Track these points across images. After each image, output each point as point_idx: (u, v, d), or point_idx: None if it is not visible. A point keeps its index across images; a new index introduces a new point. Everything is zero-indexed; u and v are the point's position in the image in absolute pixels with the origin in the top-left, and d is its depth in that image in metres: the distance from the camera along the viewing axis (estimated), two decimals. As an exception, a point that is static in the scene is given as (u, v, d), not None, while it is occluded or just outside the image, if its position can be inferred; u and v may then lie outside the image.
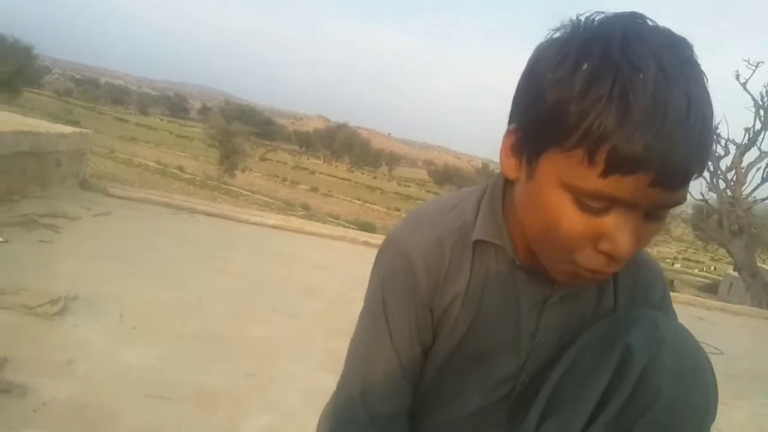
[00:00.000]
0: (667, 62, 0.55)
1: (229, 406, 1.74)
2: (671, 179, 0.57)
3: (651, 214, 0.61)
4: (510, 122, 0.68)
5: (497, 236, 0.75)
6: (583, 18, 0.61)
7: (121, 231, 3.49)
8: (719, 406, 2.29)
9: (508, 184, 0.76)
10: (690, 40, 0.59)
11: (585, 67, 0.57)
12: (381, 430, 0.78)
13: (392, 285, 0.76)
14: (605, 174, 0.56)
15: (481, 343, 0.79)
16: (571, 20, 0.62)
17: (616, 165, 0.56)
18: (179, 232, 3.79)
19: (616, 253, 0.61)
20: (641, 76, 0.54)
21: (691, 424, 0.69)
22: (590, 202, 0.60)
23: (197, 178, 30.22)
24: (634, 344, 0.70)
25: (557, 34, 0.62)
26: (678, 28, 0.59)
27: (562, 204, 0.61)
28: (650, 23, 0.59)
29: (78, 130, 4.72)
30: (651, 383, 0.68)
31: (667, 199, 0.59)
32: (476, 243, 0.76)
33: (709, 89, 0.58)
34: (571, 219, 0.61)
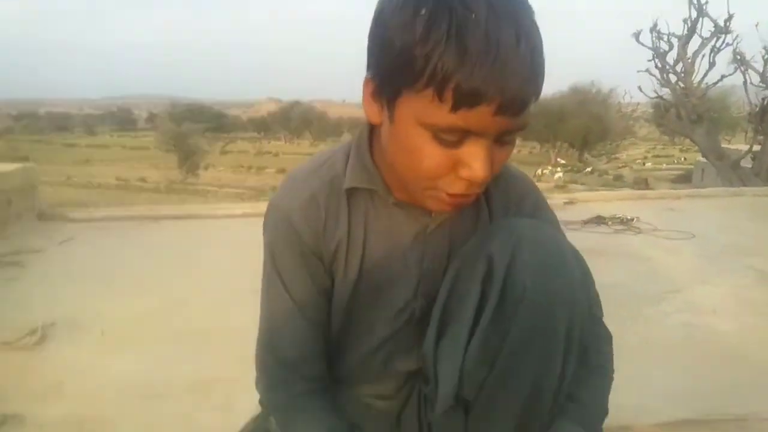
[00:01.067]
0: (495, 2, 0.61)
1: (225, 388, 1.77)
2: (512, 106, 0.63)
3: (500, 140, 0.69)
4: (367, 70, 0.73)
5: (368, 181, 0.82)
6: None
7: (88, 253, 3.45)
8: (699, 286, 2.39)
9: (374, 129, 0.81)
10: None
11: (423, 12, 0.62)
12: (291, 370, 0.87)
13: (279, 245, 0.85)
14: (454, 109, 0.63)
15: (375, 279, 0.86)
16: None
17: (463, 100, 0.62)
18: (148, 242, 3.76)
19: (474, 177, 0.68)
20: (473, 16, 0.60)
21: (561, 311, 0.75)
22: (445, 136, 0.66)
23: (161, 185, 29.70)
24: (493, 251, 0.77)
25: None
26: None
27: (422, 141, 0.67)
28: None
29: (20, 165, 4.59)
30: (516, 281, 0.75)
31: (511, 124, 0.66)
32: (349, 191, 0.82)
33: (535, 21, 0.65)
34: (432, 153, 0.68)
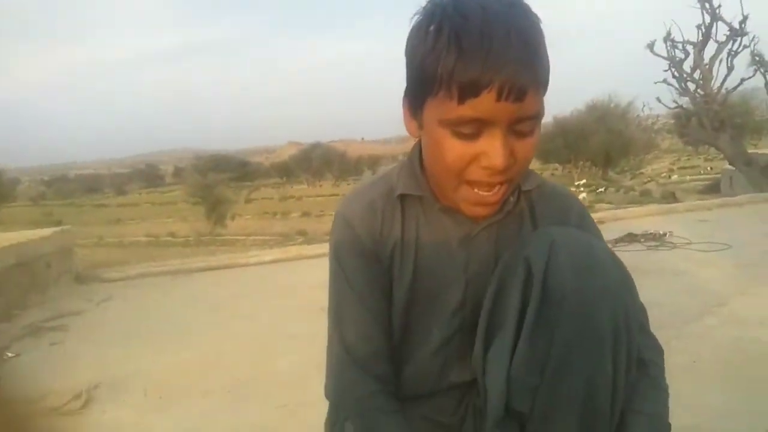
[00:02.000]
0: (490, 8, 0.72)
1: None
2: (511, 91, 0.70)
3: (516, 130, 0.76)
4: (404, 98, 0.85)
5: (417, 188, 0.91)
6: None
7: (126, 311, 3.52)
8: (740, 297, 2.35)
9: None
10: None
11: (431, 28, 0.74)
12: (364, 368, 0.90)
13: (342, 247, 0.92)
14: (461, 100, 0.72)
15: (428, 282, 0.92)
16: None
17: (465, 90, 0.71)
18: (183, 295, 3.82)
19: (493, 164, 0.75)
20: (469, 22, 0.71)
21: (601, 305, 0.76)
22: (462, 129, 0.75)
23: (190, 239, 30.16)
24: (530, 255, 0.80)
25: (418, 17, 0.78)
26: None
27: (444, 138, 0.77)
28: None
29: (58, 228, 4.75)
30: (555, 283, 0.77)
31: (518, 111, 0.73)
32: (401, 198, 0.91)
33: (535, 21, 0.75)
34: (452, 147, 0.76)
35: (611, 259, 0.81)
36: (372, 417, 0.89)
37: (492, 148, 0.74)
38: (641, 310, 0.94)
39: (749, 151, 14.08)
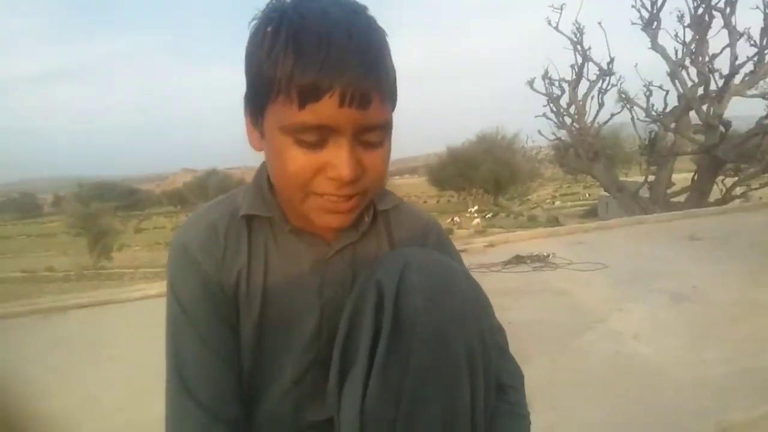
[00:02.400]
0: (330, 10, 0.68)
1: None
2: (354, 97, 0.67)
3: (364, 141, 0.71)
4: (244, 111, 0.78)
5: (264, 209, 0.83)
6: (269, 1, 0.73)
7: (-15, 356, 3.12)
8: (617, 313, 2.48)
9: None
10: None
11: (269, 29, 0.69)
12: (211, 413, 0.79)
13: (180, 278, 0.82)
14: (301, 105, 0.67)
15: (279, 312, 0.84)
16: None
17: (305, 94, 0.66)
18: (54, 337, 3.46)
19: (340, 176, 0.70)
20: (306, 22, 0.67)
21: (455, 329, 0.74)
22: (304, 137, 0.69)
23: (71, 273, 27.87)
24: (382, 277, 0.76)
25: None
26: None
27: (285, 146, 0.71)
28: None
29: None
30: (407, 304, 0.74)
31: (364, 119, 0.69)
32: (248, 219, 0.83)
33: (376, 29, 0.72)
34: (296, 157, 0.70)
35: (466, 280, 0.79)
36: None
37: (337, 159, 0.69)
38: (499, 332, 0.92)
39: (621, 179, 15.42)
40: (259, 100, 0.72)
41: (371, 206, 0.87)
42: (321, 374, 0.84)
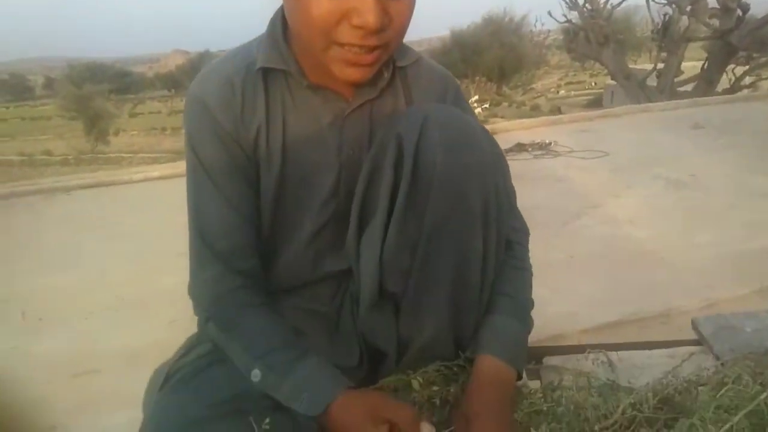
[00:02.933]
0: None
1: (158, 355, 1.71)
2: None
3: None
4: None
5: (281, 62, 0.80)
6: None
7: (-6, 232, 3.20)
8: (614, 199, 2.50)
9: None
10: None
11: None
12: (225, 263, 0.83)
13: (198, 133, 0.81)
14: None
15: (299, 168, 0.85)
16: None
17: None
18: (60, 214, 3.53)
19: (365, 22, 0.68)
20: None
21: (472, 183, 0.76)
22: None
23: (70, 157, 27.82)
24: (402, 132, 0.76)
25: None
26: None
27: None
28: None
29: None
30: (426, 159, 0.75)
31: None
32: (264, 73, 0.81)
33: None
34: (320, 2, 0.68)
35: (485, 137, 0.80)
36: (234, 313, 0.83)
37: (363, 3, 0.67)
38: (512, 191, 0.94)
39: (629, 66, 14.95)
40: None
41: (390, 61, 0.85)
42: (340, 227, 0.87)
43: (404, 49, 0.88)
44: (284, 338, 0.82)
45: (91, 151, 29.13)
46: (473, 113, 0.95)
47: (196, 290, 0.87)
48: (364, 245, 0.80)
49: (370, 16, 0.67)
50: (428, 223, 0.75)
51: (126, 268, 2.46)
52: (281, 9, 0.81)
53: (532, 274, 0.94)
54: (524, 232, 0.97)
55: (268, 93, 0.82)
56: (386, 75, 0.85)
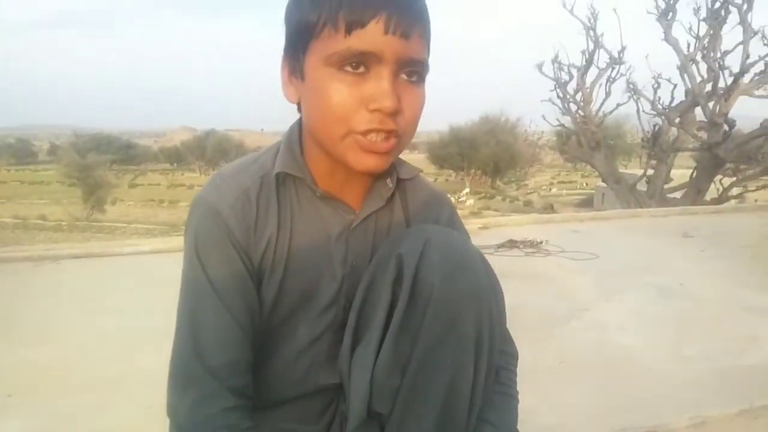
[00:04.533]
0: None
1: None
2: (396, 25, 0.70)
3: (404, 71, 0.74)
4: (282, 63, 0.80)
5: (297, 169, 0.82)
6: None
7: (-24, 299, 3.14)
8: (604, 304, 2.50)
9: (302, 126, 0.84)
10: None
11: None
12: (220, 380, 0.77)
13: (206, 241, 0.79)
14: (348, 31, 0.70)
15: (301, 277, 0.84)
16: None
17: (353, 21, 0.70)
18: (46, 284, 3.48)
19: (382, 105, 0.71)
20: None
21: (468, 309, 0.76)
22: (348, 66, 0.72)
23: (64, 223, 27.80)
24: (403, 252, 0.78)
25: None
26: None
27: (329, 79, 0.73)
28: None
29: None
30: (425, 281, 0.76)
31: (406, 50, 0.72)
32: (279, 179, 0.82)
33: None
34: (339, 89, 0.72)
35: (482, 263, 0.81)
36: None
37: (379, 89, 0.71)
38: (504, 315, 0.93)
39: (620, 170, 15.41)
40: (302, 42, 0.74)
41: (394, 172, 0.88)
42: (336, 339, 0.86)
43: (404, 163, 0.91)
44: None
45: (86, 219, 29.16)
46: (466, 232, 0.97)
47: (182, 408, 0.79)
48: (356, 362, 0.79)
49: (386, 100, 0.71)
50: (421, 346, 0.75)
51: (105, 346, 2.40)
52: (298, 121, 0.85)
53: (518, 401, 0.92)
54: (513, 355, 0.97)
55: (279, 203, 0.82)
56: (391, 185, 0.88)
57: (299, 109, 0.83)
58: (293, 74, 0.78)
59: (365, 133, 0.73)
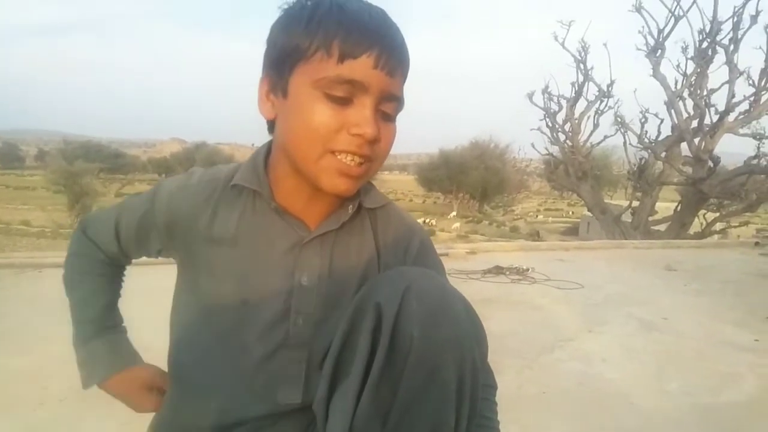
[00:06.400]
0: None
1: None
2: (385, 62, 0.75)
3: (383, 111, 0.79)
4: (261, 77, 0.83)
5: (255, 182, 0.86)
6: None
7: (-46, 305, 3.09)
8: (587, 335, 2.52)
9: (272, 147, 0.88)
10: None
11: (309, 3, 0.77)
12: (96, 247, 0.98)
13: (138, 201, 0.94)
14: (341, 59, 0.74)
15: (246, 287, 0.86)
16: None
17: (347, 51, 0.74)
18: (27, 293, 3.44)
19: (365, 132, 0.75)
20: (347, 1, 0.77)
21: (449, 356, 0.75)
22: (335, 91, 0.75)
23: (47, 230, 27.41)
24: (381, 300, 0.77)
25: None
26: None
27: (314, 100, 0.76)
28: None
29: None
30: (404, 331, 0.74)
31: (389, 85, 0.77)
32: (233, 189, 0.87)
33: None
34: (322, 110, 0.76)
35: (463, 306, 0.80)
36: (77, 276, 1.01)
37: (362, 116, 0.75)
38: (486, 347, 0.90)
39: (606, 201, 15.59)
40: (289, 62, 0.78)
41: (357, 199, 0.89)
42: (294, 356, 0.87)
43: (374, 192, 0.92)
44: (100, 311, 1.02)
45: (70, 226, 28.76)
46: (439, 261, 0.98)
47: (72, 239, 1.01)
48: (335, 408, 0.78)
49: (368, 128, 0.75)
50: (402, 395, 0.74)
51: (86, 358, 2.37)
52: (267, 143, 0.89)
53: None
54: (493, 386, 0.97)
55: (235, 209, 0.87)
56: (351, 210, 0.89)
57: (271, 127, 0.85)
58: (273, 91, 0.81)
59: (342, 152, 0.77)
